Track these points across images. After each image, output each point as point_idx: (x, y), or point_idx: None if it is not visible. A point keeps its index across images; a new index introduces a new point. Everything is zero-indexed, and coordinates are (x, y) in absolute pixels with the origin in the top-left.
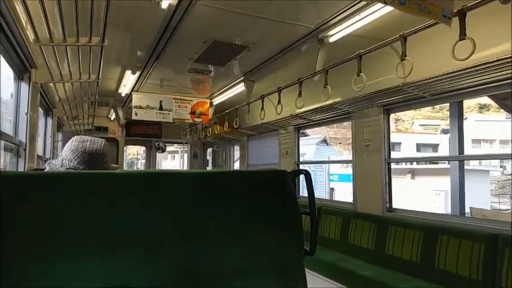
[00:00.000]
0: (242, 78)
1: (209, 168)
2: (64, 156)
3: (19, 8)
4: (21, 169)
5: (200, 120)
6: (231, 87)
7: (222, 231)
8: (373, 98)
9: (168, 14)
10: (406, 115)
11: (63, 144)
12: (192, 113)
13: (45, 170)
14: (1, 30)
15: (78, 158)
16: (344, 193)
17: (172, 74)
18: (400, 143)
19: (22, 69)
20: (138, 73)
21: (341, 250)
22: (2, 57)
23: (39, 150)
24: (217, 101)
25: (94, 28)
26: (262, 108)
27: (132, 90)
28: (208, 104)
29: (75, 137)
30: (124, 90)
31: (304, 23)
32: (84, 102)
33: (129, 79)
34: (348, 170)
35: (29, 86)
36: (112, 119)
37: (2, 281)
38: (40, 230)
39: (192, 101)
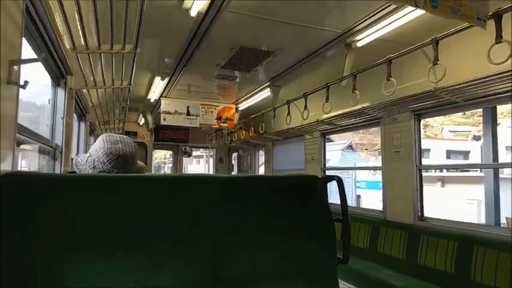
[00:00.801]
0: (268, 83)
1: (234, 172)
2: (96, 158)
3: (57, 18)
4: (57, 171)
5: (226, 125)
6: (256, 93)
7: (249, 236)
8: (403, 103)
9: (197, 21)
10: (435, 121)
11: None
12: (218, 118)
13: (76, 172)
14: (42, 40)
15: (112, 161)
16: (371, 200)
17: (199, 80)
18: (428, 150)
19: (59, 76)
20: (167, 79)
21: (370, 259)
22: (40, 65)
23: (73, 154)
24: (242, 106)
25: (127, 35)
26: (288, 113)
27: (161, 96)
28: (234, 110)
29: (105, 136)
30: (153, 96)
31: (331, 27)
32: (115, 108)
33: (159, 85)
34: (376, 177)
35: (65, 92)
36: (141, 124)
37: (28, 277)
38: (65, 231)
39: (218, 106)
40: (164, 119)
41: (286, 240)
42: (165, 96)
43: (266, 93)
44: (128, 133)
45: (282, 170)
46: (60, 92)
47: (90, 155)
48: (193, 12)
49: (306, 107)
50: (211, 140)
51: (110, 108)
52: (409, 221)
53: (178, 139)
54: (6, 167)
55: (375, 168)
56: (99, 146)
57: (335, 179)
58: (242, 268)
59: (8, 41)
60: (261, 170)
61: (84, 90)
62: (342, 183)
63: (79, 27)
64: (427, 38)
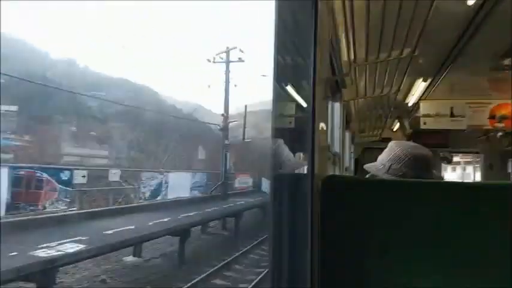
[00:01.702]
0: None
1: None
2: (401, 165)
3: (340, 36)
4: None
5: (502, 125)
6: None
7: None
8: None
9: (475, 8)
10: None
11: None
12: (491, 117)
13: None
14: (329, 58)
15: (422, 165)
16: None
17: (467, 75)
18: None
19: (335, 90)
20: (429, 80)
21: None
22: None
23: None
24: None
25: (406, 40)
26: None
27: (420, 98)
28: None
29: (399, 143)
30: (411, 99)
31: None
32: (372, 116)
33: (419, 88)
34: None
35: (340, 104)
36: (394, 129)
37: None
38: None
39: (490, 103)
40: (424, 123)
41: None
42: (425, 99)
43: None
44: (384, 140)
45: None
46: (336, 105)
47: (390, 165)
48: (470, 1)
49: None
50: (478, 143)
51: (367, 116)
52: None
53: (437, 144)
54: (324, 171)
55: None
56: (399, 154)
57: None
58: None
59: (323, 62)
60: None
61: (351, 101)
62: None
63: (362, 41)
64: None
